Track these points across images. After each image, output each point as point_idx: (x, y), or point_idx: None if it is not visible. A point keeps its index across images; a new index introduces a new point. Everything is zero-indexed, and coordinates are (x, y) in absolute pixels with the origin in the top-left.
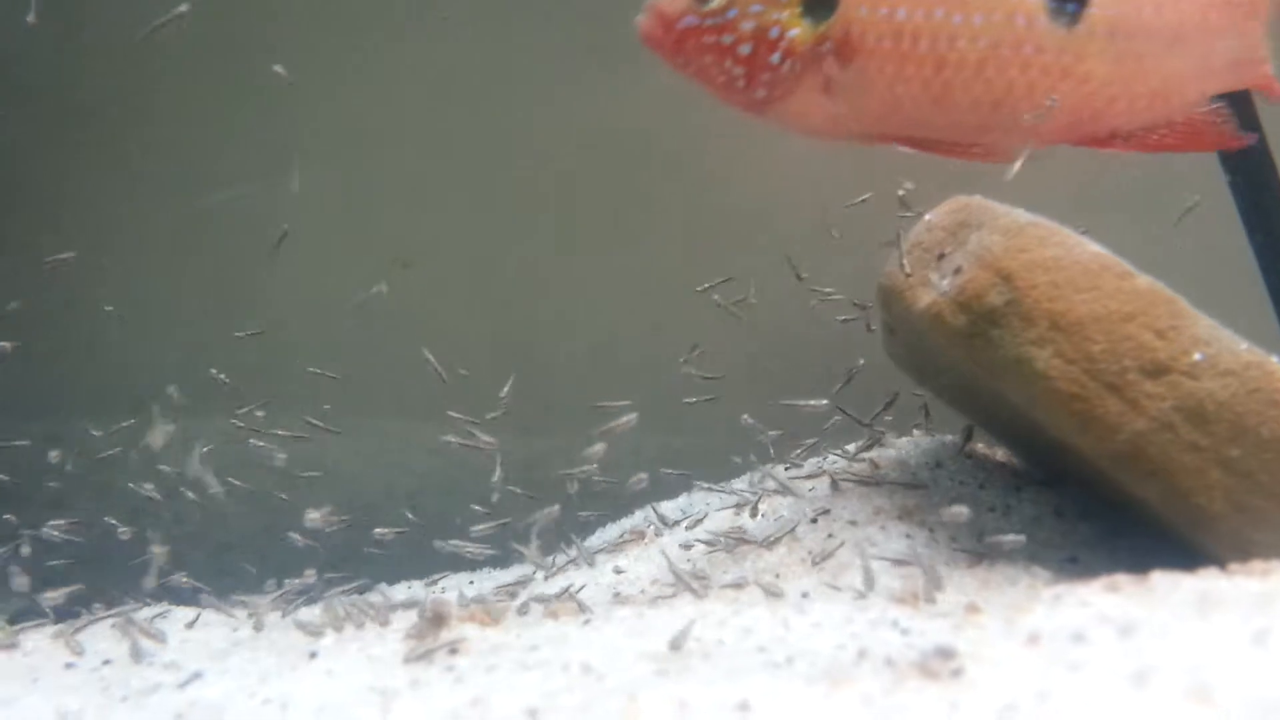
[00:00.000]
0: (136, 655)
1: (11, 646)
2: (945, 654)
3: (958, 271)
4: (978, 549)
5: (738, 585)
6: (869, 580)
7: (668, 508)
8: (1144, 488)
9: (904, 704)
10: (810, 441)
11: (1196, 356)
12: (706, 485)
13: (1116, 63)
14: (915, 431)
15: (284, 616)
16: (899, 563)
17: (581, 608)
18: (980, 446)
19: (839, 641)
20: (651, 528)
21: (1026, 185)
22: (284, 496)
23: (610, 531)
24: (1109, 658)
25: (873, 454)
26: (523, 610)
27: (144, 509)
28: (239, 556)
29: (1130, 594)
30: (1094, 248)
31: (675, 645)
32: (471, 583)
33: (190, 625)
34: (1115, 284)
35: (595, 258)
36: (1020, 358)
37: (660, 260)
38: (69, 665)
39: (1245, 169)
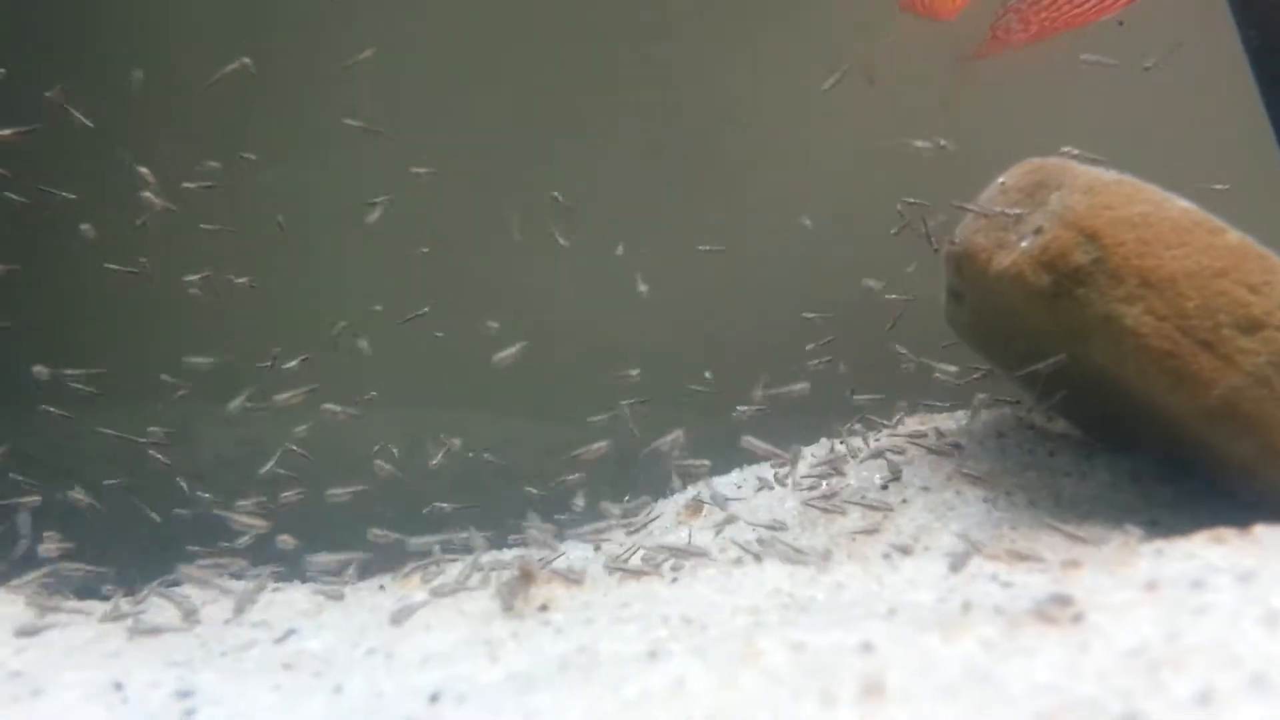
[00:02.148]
0: (241, 608)
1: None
2: (1063, 601)
3: (1038, 232)
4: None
5: (820, 548)
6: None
7: (721, 483)
8: (1238, 444)
9: (1028, 647)
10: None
11: None
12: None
13: None
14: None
15: (360, 580)
16: (982, 524)
17: (677, 562)
18: (1037, 419)
19: (939, 595)
20: (709, 500)
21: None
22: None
23: (662, 508)
24: (1234, 603)
25: (935, 424)
26: (606, 571)
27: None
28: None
29: (1237, 546)
30: (1182, 203)
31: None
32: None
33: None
34: (1207, 239)
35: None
36: (1109, 315)
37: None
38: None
39: None
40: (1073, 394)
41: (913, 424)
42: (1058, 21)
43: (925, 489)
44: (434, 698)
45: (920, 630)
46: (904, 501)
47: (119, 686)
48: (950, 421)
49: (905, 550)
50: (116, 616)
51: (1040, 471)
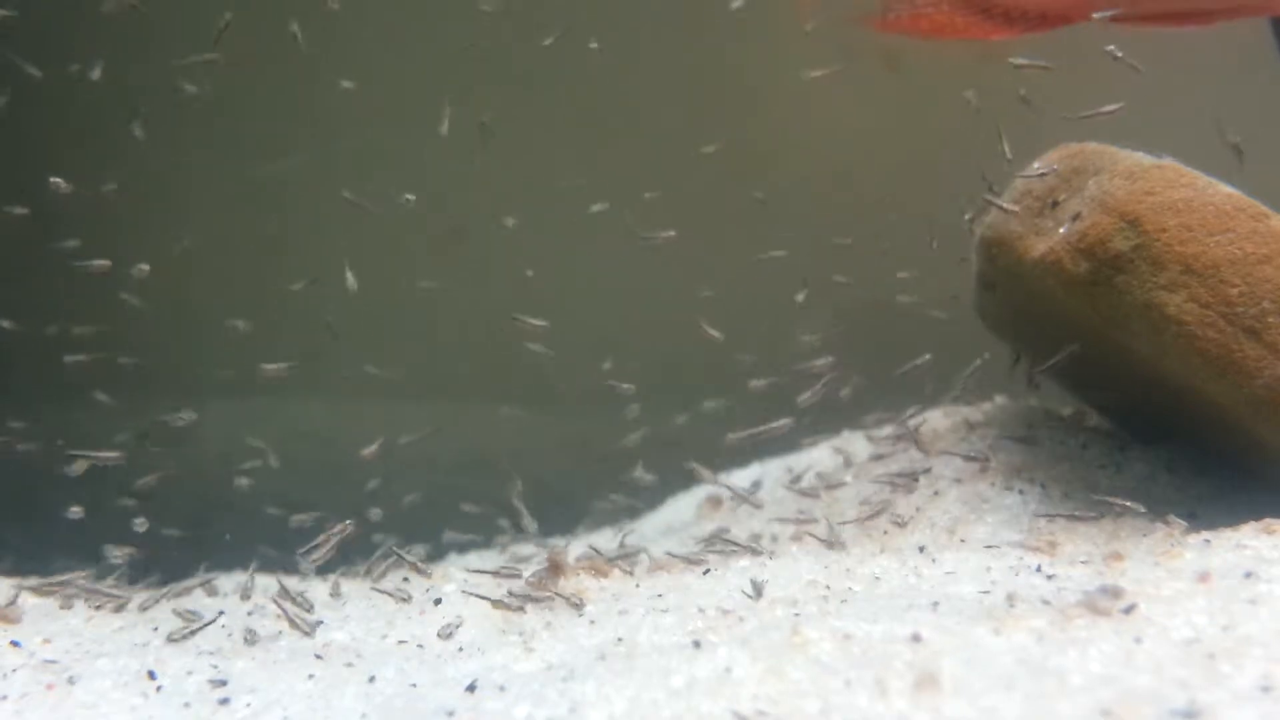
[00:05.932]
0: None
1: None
2: (1113, 592)
3: (1076, 218)
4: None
5: (849, 541)
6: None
7: (740, 477)
8: None
9: (1081, 638)
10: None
11: None
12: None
13: None
14: (997, 398)
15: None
16: (1018, 517)
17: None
18: (1066, 411)
19: (981, 587)
20: (729, 494)
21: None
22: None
23: (681, 501)
24: None
25: (963, 415)
26: (633, 564)
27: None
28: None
29: None
30: (1226, 189)
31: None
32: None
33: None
34: (1251, 225)
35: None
36: (1150, 303)
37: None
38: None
39: None
40: (1107, 386)
41: (939, 418)
42: (948, 28)
43: (957, 480)
44: (471, 687)
45: (968, 622)
46: (936, 494)
47: (153, 675)
48: (978, 414)
49: (940, 543)
50: (142, 608)
51: (1073, 464)
